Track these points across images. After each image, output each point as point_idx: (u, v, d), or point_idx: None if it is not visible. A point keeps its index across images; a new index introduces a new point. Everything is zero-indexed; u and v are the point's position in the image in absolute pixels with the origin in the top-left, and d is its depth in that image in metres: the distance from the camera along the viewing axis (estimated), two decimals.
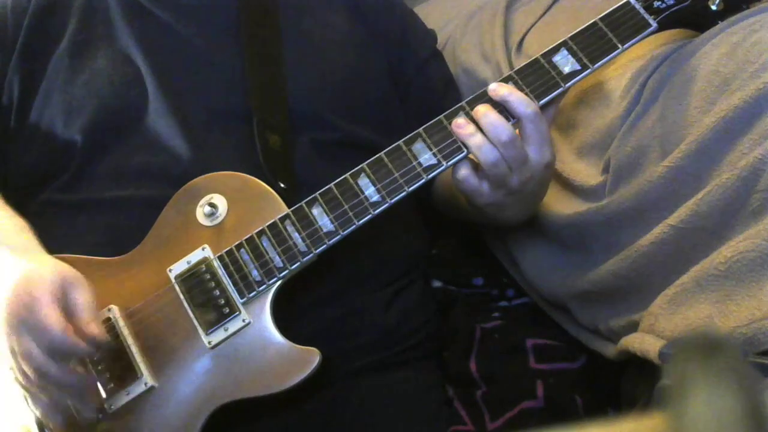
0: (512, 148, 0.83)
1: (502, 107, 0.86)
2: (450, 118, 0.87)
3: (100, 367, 0.84)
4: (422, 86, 1.12)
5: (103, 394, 0.83)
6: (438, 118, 0.88)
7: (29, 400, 0.81)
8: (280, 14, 1.05)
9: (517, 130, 0.85)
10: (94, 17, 1.02)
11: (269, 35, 1.03)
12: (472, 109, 0.86)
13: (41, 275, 0.78)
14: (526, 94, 0.87)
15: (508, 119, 0.85)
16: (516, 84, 0.87)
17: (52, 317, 0.74)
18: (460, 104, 0.88)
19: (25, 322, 0.75)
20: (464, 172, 0.86)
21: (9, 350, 0.77)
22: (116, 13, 1.02)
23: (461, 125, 0.85)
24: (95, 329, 0.76)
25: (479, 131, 0.84)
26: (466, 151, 0.86)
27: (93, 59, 0.99)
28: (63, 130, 0.97)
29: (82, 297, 0.78)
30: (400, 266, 1.02)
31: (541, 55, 0.89)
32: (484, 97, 0.87)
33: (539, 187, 0.93)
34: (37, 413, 0.81)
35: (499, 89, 0.85)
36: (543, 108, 0.86)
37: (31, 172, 1.00)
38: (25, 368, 0.76)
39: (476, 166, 0.86)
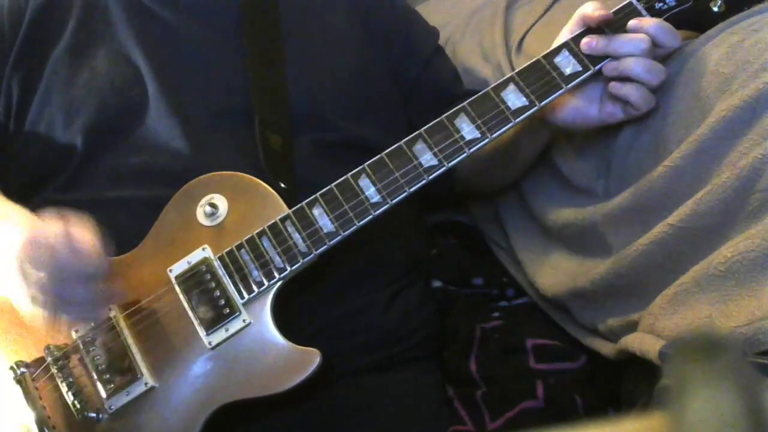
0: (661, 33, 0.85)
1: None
2: (451, 118, 0.87)
3: (100, 367, 0.84)
4: (425, 85, 1.12)
5: (103, 394, 0.83)
6: (439, 119, 0.88)
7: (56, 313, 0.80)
8: (282, 14, 1.05)
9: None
10: (94, 16, 1.02)
11: (270, 35, 1.03)
12: (431, 137, 0.86)
13: (51, 220, 0.79)
14: (528, 94, 0.87)
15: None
16: (517, 85, 0.88)
17: (57, 226, 0.77)
18: (461, 105, 0.88)
19: (34, 245, 0.76)
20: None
21: (20, 275, 0.77)
22: (116, 13, 1.02)
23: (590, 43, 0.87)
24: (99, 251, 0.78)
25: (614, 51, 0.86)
26: (467, 151, 0.86)
27: (93, 59, 0.99)
28: (63, 130, 0.97)
29: (86, 236, 0.78)
30: (400, 266, 1.02)
31: (543, 56, 0.89)
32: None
33: None
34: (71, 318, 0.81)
35: (640, 24, 0.86)
36: (545, 105, 0.88)
37: (31, 172, 1.00)
38: (44, 279, 0.76)
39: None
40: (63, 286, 0.77)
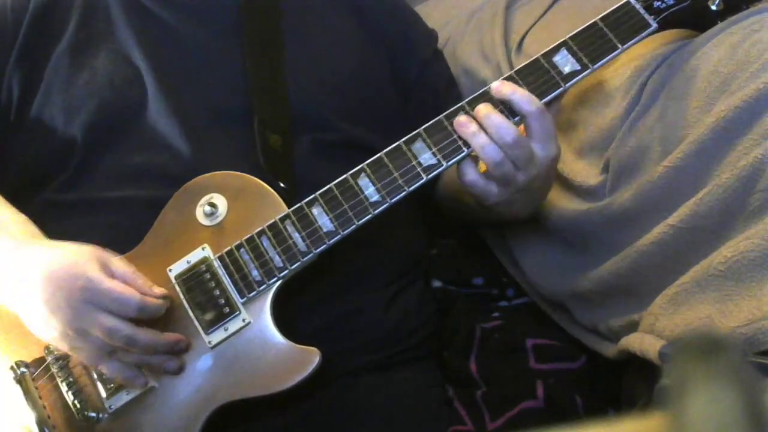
0: (517, 147, 0.83)
1: (502, 106, 0.86)
2: (450, 117, 0.87)
3: (99, 367, 0.84)
4: (424, 86, 1.12)
5: (103, 394, 0.83)
6: (438, 118, 0.88)
7: (110, 370, 0.82)
8: (281, 14, 1.05)
9: (521, 127, 0.85)
10: (95, 16, 1.02)
11: (270, 35, 1.03)
12: (472, 109, 0.86)
13: (79, 256, 0.81)
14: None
15: (509, 117, 0.85)
16: (516, 84, 0.88)
17: (120, 287, 0.79)
18: (460, 104, 0.88)
19: (92, 302, 0.78)
20: (471, 175, 0.86)
21: (76, 334, 0.79)
22: (117, 12, 1.02)
23: (464, 123, 0.85)
24: (159, 288, 0.82)
25: (482, 130, 0.84)
26: (466, 150, 0.86)
27: (93, 58, 0.99)
28: (63, 129, 0.97)
29: (122, 266, 0.82)
30: (400, 266, 1.02)
31: (541, 55, 0.89)
32: (485, 96, 0.87)
33: (546, 180, 0.93)
34: (122, 374, 0.82)
35: (502, 87, 0.86)
36: (546, 104, 0.86)
37: (31, 172, 1.00)
38: (114, 341, 0.78)
39: (480, 167, 0.86)
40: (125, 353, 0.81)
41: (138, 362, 0.82)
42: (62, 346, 0.81)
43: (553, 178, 0.98)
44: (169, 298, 0.83)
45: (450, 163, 0.86)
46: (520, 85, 0.87)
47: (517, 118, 0.85)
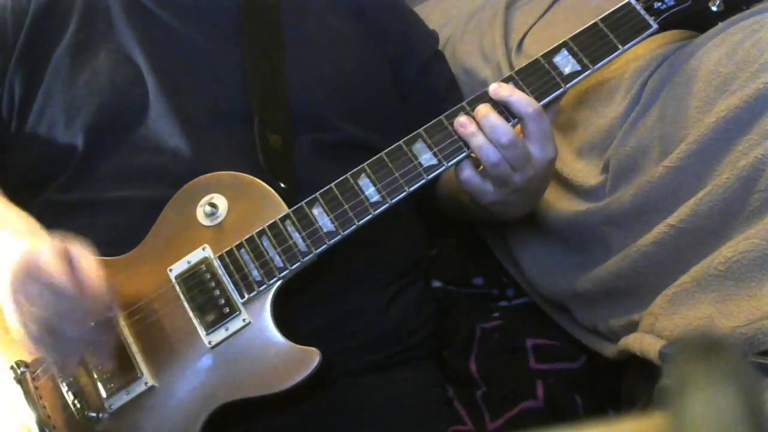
0: (513, 148, 0.84)
1: (502, 107, 0.86)
2: (450, 118, 0.87)
3: (100, 367, 0.84)
4: (424, 87, 1.12)
5: (103, 394, 0.83)
6: (438, 118, 0.88)
7: (45, 351, 0.79)
8: (282, 15, 1.05)
9: (518, 128, 0.86)
10: (95, 17, 1.02)
11: (270, 35, 1.03)
12: (473, 110, 0.86)
13: (45, 240, 0.78)
14: (527, 94, 0.87)
15: (508, 119, 0.85)
16: (516, 84, 0.88)
17: (55, 262, 0.74)
18: (460, 104, 0.88)
19: (29, 273, 0.74)
20: (468, 172, 0.87)
21: (13, 304, 0.76)
22: (117, 13, 1.02)
23: (463, 124, 0.86)
24: (103, 289, 0.76)
25: (480, 131, 0.85)
26: (466, 151, 0.86)
27: (94, 59, 0.99)
28: (64, 130, 0.97)
29: (86, 262, 0.76)
30: (400, 266, 1.02)
31: (542, 55, 0.89)
32: (485, 98, 0.87)
33: (542, 181, 0.94)
34: (52, 356, 0.80)
35: (500, 90, 0.86)
36: (545, 105, 0.87)
37: (32, 172, 1.00)
38: (39, 312, 0.75)
39: (479, 166, 0.86)
40: (62, 324, 0.75)
41: (67, 335, 0.77)
42: (17, 330, 0.77)
43: (550, 179, 0.98)
44: (108, 299, 0.78)
45: (450, 163, 0.86)
46: (520, 86, 0.87)
47: (515, 120, 0.86)
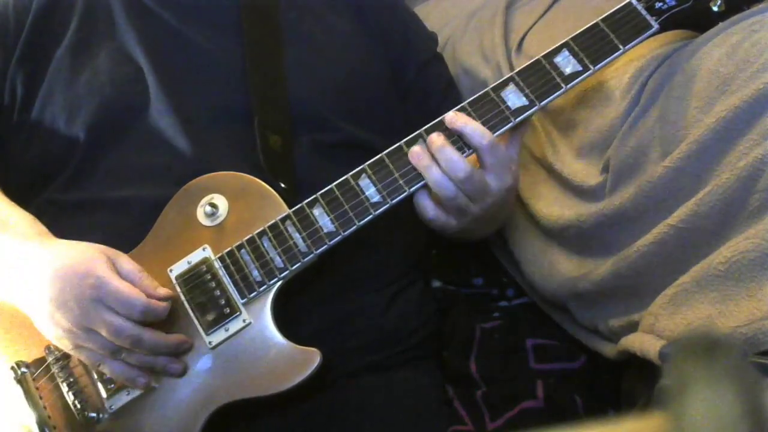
0: (469, 182, 0.84)
1: (457, 137, 0.86)
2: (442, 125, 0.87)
3: (100, 367, 0.84)
4: (422, 88, 1.12)
5: (104, 394, 0.83)
6: (438, 119, 0.88)
7: (112, 366, 0.82)
8: (282, 15, 1.05)
9: (474, 158, 0.86)
10: (96, 15, 1.02)
11: (270, 35, 1.03)
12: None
13: (87, 255, 0.81)
14: (528, 94, 0.87)
15: (463, 149, 0.85)
16: (517, 85, 0.88)
17: (127, 288, 0.79)
18: (460, 105, 0.88)
19: (100, 301, 0.78)
20: (431, 211, 0.87)
21: (82, 332, 0.79)
22: (118, 12, 1.02)
23: (419, 155, 0.85)
24: (164, 289, 0.82)
25: (435, 163, 0.84)
26: (467, 151, 0.86)
27: (95, 57, 1.00)
28: (65, 129, 0.97)
29: (130, 265, 0.82)
30: (400, 266, 1.02)
31: (543, 56, 0.89)
32: (441, 126, 0.87)
33: (502, 208, 0.94)
34: (126, 374, 0.82)
35: (454, 120, 0.86)
36: (510, 131, 0.87)
37: (33, 171, 1.00)
38: (119, 341, 0.79)
39: (437, 198, 0.86)
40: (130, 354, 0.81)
41: (141, 363, 0.82)
42: (65, 345, 0.81)
43: (512, 205, 0.99)
44: (172, 299, 0.83)
45: None
46: (520, 86, 0.87)
47: (470, 151, 0.86)
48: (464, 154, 0.85)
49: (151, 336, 0.80)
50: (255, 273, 0.85)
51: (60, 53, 1.00)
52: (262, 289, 0.85)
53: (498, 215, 0.96)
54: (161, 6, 1.02)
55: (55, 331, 0.80)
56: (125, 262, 0.83)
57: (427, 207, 0.87)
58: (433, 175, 0.84)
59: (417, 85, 1.12)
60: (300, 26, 1.06)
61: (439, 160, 0.84)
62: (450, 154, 0.84)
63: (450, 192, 0.84)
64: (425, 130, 0.88)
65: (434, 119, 0.88)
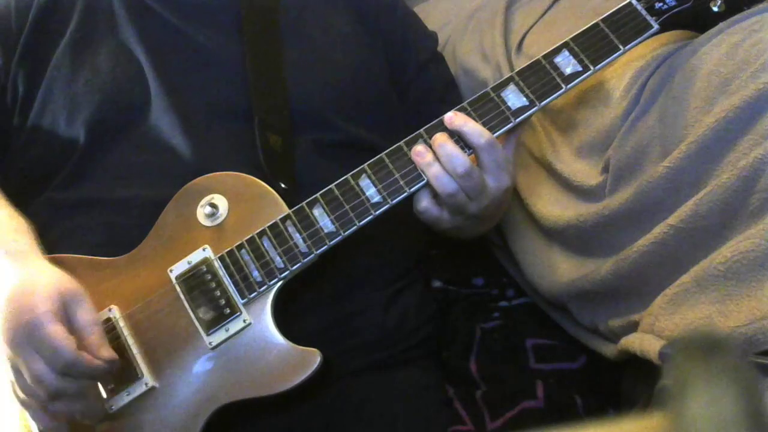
0: (469, 179, 0.84)
1: (457, 137, 0.86)
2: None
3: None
4: (422, 88, 1.12)
5: (104, 395, 0.83)
6: (439, 119, 0.88)
7: (31, 416, 0.80)
8: (281, 14, 1.05)
9: (473, 157, 0.86)
10: (97, 14, 1.02)
11: (270, 35, 1.03)
12: (430, 137, 0.86)
13: (39, 289, 0.77)
14: (528, 94, 0.87)
15: (464, 149, 0.85)
16: (517, 85, 0.88)
17: (59, 335, 0.74)
18: (460, 105, 0.88)
19: (30, 341, 0.74)
20: (425, 203, 0.87)
21: (11, 367, 0.77)
22: (118, 11, 1.02)
23: (420, 153, 0.85)
24: (109, 353, 0.77)
25: (437, 161, 0.85)
26: (467, 151, 0.86)
27: (95, 56, 1.00)
28: (65, 127, 0.97)
29: (85, 314, 0.78)
30: (400, 266, 1.03)
31: (543, 56, 0.89)
32: (442, 126, 0.87)
33: (497, 209, 0.94)
34: (41, 427, 0.80)
35: (453, 119, 0.86)
36: (509, 132, 0.88)
37: (33, 170, 1.00)
38: (37, 388, 0.75)
39: (436, 195, 0.86)
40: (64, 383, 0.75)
41: (63, 414, 0.78)
42: (6, 378, 0.79)
43: (507, 206, 0.99)
44: (116, 363, 0.78)
45: None
46: (520, 87, 0.87)
47: (470, 150, 0.86)
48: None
49: (72, 387, 0.76)
50: (255, 273, 0.85)
51: (60, 52, 1.00)
52: (262, 289, 0.85)
53: (493, 215, 0.97)
54: (162, 5, 1.02)
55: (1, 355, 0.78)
56: (84, 311, 0.78)
57: (425, 204, 0.87)
58: (434, 171, 0.84)
59: (416, 85, 1.12)
60: (300, 26, 1.06)
61: (439, 156, 0.84)
62: (450, 149, 0.84)
63: (450, 188, 0.84)
64: (425, 130, 0.88)
65: (433, 119, 0.88)
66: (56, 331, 0.74)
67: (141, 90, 0.97)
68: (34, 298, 0.76)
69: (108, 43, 1.00)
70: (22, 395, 0.78)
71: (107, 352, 0.77)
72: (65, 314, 0.77)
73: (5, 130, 1.01)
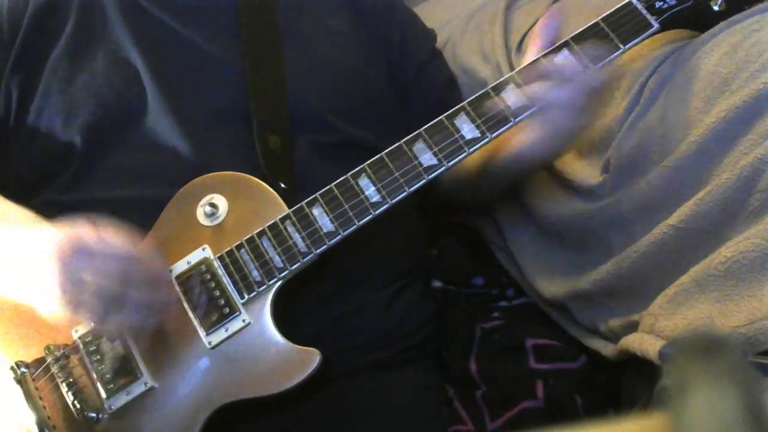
0: (578, 81, 0.86)
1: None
2: (451, 118, 0.87)
3: (100, 367, 0.84)
4: (423, 86, 1.12)
5: (103, 394, 0.83)
6: (439, 118, 0.88)
7: (113, 323, 0.79)
8: (280, 15, 1.05)
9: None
10: (92, 17, 1.02)
11: (268, 36, 1.03)
12: (430, 137, 0.87)
13: (79, 223, 0.79)
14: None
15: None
16: (517, 85, 0.88)
17: (115, 239, 0.77)
18: (461, 105, 0.88)
19: (83, 249, 0.76)
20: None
21: (71, 285, 0.76)
22: (114, 13, 1.02)
23: (534, 91, 0.87)
24: (159, 263, 0.81)
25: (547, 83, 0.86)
26: (467, 150, 0.86)
27: (92, 59, 0.99)
28: (62, 131, 0.97)
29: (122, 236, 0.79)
30: (400, 266, 1.02)
31: (543, 56, 0.89)
32: (442, 125, 0.87)
33: (533, 164, 0.98)
34: (132, 323, 0.80)
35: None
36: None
37: (31, 173, 1.00)
38: (107, 282, 0.76)
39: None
40: (126, 292, 0.77)
41: (140, 302, 0.79)
42: (68, 312, 0.77)
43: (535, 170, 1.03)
44: (167, 270, 0.83)
45: (451, 163, 0.86)
46: (520, 87, 0.87)
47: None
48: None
49: (139, 268, 0.78)
50: (254, 273, 0.85)
51: (56, 55, 1.00)
52: (261, 289, 0.85)
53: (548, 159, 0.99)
54: (158, 7, 1.02)
55: (52, 302, 0.77)
56: (116, 231, 0.80)
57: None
58: (555, 91, 0.86)
59: (417, 83, 1.12)
60: (298, 27, 1.06)
61: (550, 75, 0.86)
62: (561, 60, 0.87)
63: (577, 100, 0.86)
64: (425, 130, 0.88)
65: (436, 116, 0.88)
66: (112, 235, 0.77)
67: (138, 93, 0.97)
68: (80, 227, 0.78)
69: (104, 47, 1.00)
70: (83, 309, 0.77)
71: (160, 263, 0.81)
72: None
73: (2, 134, 1.01)
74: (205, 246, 0.87)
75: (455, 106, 0.88)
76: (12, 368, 0.85)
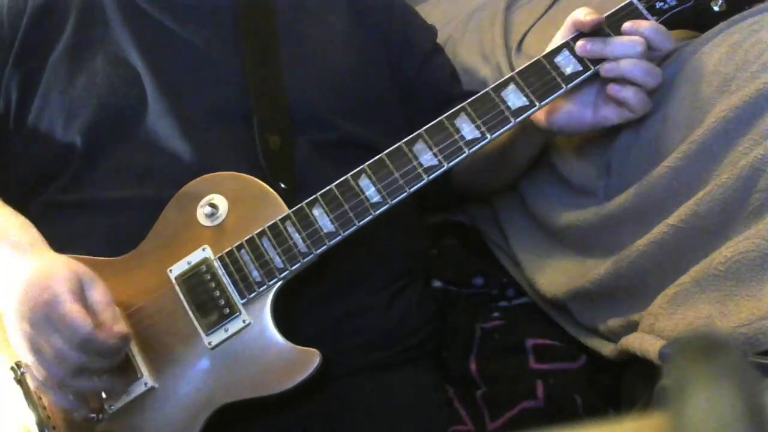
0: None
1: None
2: (451, 118, 0.87)
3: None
4: (427, 81, 1.12)
5: (103, 395, 0.83)
6: (439, 119, 0.88)
7: (50, 395, 0.81)
8: (278, 15, 1.05)
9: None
10: (92, 18, 1.02)
11: (267, 36, 1.03)
12: (430, 137, 0.86)
13: (56, 271, 0.79)
14: (528, 94, 0.87)
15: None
16: (517, 85, 0.88)
17: (78, 313, 0.76)
18: (461, 105, 0.88)
19: (49, 320, 0.76)
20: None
21: (31, 348, 0.78)
22: (113, 14, 1.02)
23: (609, 69, 0.86)
24: (122, 328, 0.79)
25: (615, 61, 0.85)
26: (467, 151, 0.86)
27: (91, 60, 1.00)
28: (62, 132, 0.97)
29: (99, 295, 0.80)
30: (400, 266, 1.02)
31: (543, 55, 0.89)
32: (442, 125, 0.87)
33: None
34: (63, 405, 0.81)
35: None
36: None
37: (31, 174, 1.00)
38: (58, 366, 0.77)
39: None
40: (84, 363, 0.77)
41: (85, 390, 0.81)
42: (25, 359, 0.80)
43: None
44: (128, 337, 0.80)
45: (451, 164, 0.86)
46: (520, 86, 0.87)
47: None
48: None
49: (96, 363, 0.78)
50: (255, 273, 0.85)
51: (56, 56, 1.00)
52: (261, 289, 0.85)
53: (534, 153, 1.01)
54: (157, 8, 1.02)
55: (15, 342, 0.79)
56: (98, 292, 0.80)
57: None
58: (626, 62, 0.84)
59: (421, 79, 1.12)
60: (297, 26, 1.06)
61: (612, 49, 0.85)
62: (616, 40, 0.85)
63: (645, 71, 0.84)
64: (425, 130, 0.88)
65: (447, 105, 0.87)
66: (74, 309, 0.76)
67: (138, 94, 0.97)
68: (53, 279, 0.78)
69: (104, 48, 1.00)
70: (43, 374, 0.79)
71: (121, 328, 0.79)
72: (81, 294, 0.79)
73: (2, 135, 1.01)
74: (206, 246, 0.87)
75: (459, 99, 0.88)
76: (12, 368, 0.85)
